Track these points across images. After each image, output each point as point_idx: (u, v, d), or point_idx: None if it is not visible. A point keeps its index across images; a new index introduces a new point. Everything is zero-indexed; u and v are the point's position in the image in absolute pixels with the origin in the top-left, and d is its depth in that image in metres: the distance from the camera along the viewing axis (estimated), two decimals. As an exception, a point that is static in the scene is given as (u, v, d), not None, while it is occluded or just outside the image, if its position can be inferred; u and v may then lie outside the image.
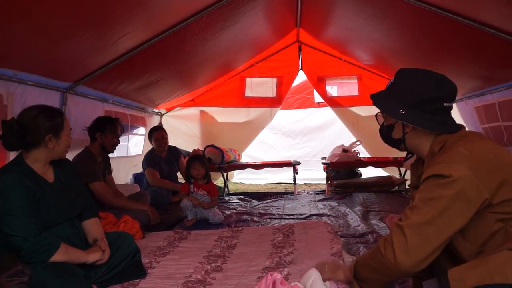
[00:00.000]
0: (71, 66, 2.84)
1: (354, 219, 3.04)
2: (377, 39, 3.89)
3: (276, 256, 1.91)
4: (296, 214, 3.31)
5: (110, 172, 3.16)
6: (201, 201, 3.06)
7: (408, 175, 4.60)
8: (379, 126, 1.58)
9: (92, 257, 1.65)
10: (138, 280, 1.75)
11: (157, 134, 3.94)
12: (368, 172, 5.41)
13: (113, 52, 2.90)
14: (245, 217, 3.21)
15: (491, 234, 1.17)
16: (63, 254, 1.55)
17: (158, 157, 3.89)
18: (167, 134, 4.02)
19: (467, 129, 1.40)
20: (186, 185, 3.20)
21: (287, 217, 3.23)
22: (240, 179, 6.75)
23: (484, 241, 1.18)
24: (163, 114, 5.23)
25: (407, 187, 4.60)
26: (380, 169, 5.17)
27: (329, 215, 3.22)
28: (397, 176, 4.80)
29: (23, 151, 1.67)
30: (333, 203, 3.75)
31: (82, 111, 3.31)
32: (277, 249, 2.03)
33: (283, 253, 1.94)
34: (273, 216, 3.25)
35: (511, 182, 1.17)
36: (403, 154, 5.12)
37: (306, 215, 3.24)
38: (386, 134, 1.46)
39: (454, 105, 1.49)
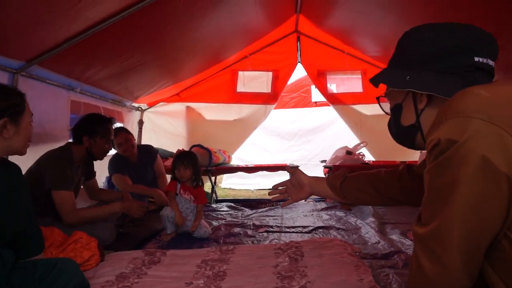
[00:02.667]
0: (23, 39, 2.26)
1: (370, 233, 2.50)
2: (388, 23, 3.38)
3: (284, 293, 1.36)
4: (298, 226, 2.76)
5: (93, 176, 2.63)
6: (187, 225, 2.50)
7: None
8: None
9: None
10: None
11: (119, 138, 3.15)
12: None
13: (76, 24, 2.32)
14: (237, 230, 2.65)
15: None
16: None
17: (126, 160, 3.23)
18: (132, 135, 3.31)
19: None
20: (174, 183, 2.64)
21: (288, 230, 2.68)
22: (229, 184, 6.20)
23: None
24: (145, 109, 4.63)
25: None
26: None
27: (338, 228, 2.68)
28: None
29: None
30: (339, 213, 3.22)
31: (41, 99, 2.71)
32: (283, 280, 1.47)
33: (293, 288, 1.39)
34: (271, 229, 2.69)
35: None
36: (413, 157, 4.38)
37: (311, 228, 2.68)
38: (394, 123, 0.99)
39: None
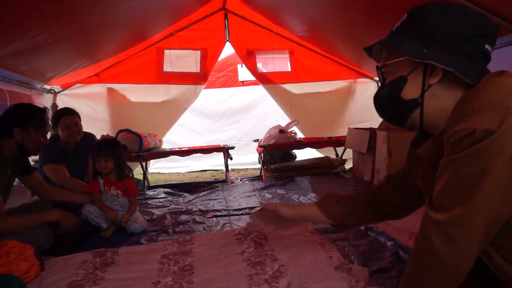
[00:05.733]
0: None
1: (315, 209, 2.61)
2: (317, 4, 3.45)
3: (261, 280, 1.33)
4: (245, 208, 2.75)
5: (31, 171, 2.26)
6: (119, 217, 2.28)
7: (346, 155, 4.39)
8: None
9: None
10: None
11: (68, 119, 2.77)
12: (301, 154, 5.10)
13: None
14: (184, 217, 2.54)
15: None
16: None
17: (63, 148, 2.80)
18: (81, 120, 2.92)
19: None
20: (95, 183, 2.36)
21: (236, 212, 2.66)
22: (157, 168, 5.92)
23: None
24: (58, 92, 4.10)
25: (345, 168, 4.41)
26: (311, 150, 4.87)
27: (284, 206, 2.74)
28: (333, 157, 4.57)
29: None
30: (280, 191, 3.29)
31: None
32: (255, 267, 1.45)
33: (267, 274, 1.38)
34: (219, 213, 2.64)
35: None
36: (339, 133, 4.66)
37: (258, 209, 2.69)
38: (391, 95, 0.95)
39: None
